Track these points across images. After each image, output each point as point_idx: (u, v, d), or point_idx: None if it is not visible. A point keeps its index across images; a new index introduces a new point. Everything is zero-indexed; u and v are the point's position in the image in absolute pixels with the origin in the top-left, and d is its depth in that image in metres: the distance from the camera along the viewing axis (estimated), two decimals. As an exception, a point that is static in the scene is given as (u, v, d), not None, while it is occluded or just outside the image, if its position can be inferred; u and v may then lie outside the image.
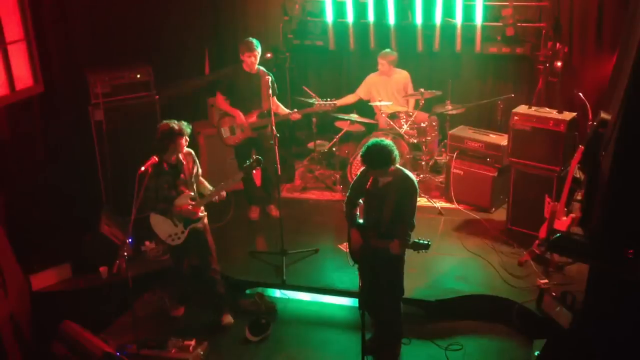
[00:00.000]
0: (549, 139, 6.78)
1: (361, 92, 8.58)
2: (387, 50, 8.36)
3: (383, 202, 5.24)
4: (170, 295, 6.60)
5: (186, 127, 5.79)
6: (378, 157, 5.11)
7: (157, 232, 6.02)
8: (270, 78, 6.95)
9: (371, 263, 5.36)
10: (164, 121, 5.81)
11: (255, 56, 7.12)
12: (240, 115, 7.23)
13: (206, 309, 6.42)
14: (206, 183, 6.16)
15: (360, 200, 5.52)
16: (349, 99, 8.60)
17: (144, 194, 5.64)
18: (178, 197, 5.90)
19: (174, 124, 5.74)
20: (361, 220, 5.50)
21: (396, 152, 5.15)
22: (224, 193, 6.02)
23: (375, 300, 5.45)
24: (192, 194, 5.94)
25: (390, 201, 5.20)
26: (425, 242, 5.20)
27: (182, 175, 5.90)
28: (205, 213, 6.07)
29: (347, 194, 5.56)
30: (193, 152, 6.04)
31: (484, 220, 7.48)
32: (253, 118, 7.25)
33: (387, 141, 5.18)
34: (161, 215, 5.92)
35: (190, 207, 5.87)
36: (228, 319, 6.31)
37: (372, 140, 5.23)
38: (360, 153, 5.21)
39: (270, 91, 6.86)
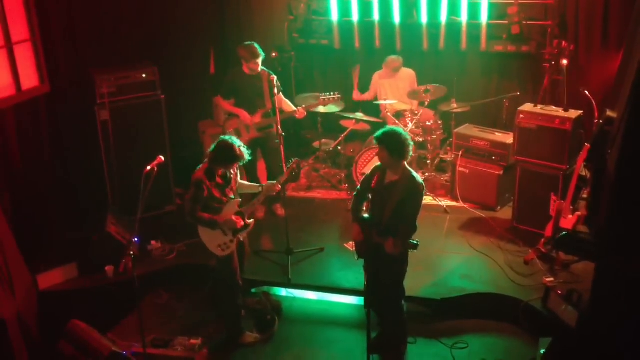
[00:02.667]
0: (555, 137, 6.78)
1: (372, 92, 8.59)
2: (392, 57, 8.35)
3: (386, 200, 5.24)
4: (188, 297, 6.56)
5: (246, 154, 5.55)
6: (392, 139, 5.16)
7: (205, 243, 5.71)
8: (276, 78, 6.93)
9: (374, 260, 5.36)
10: (226, 138, 5.54)
11: (259, 63, 7.13)
12: (244, 113, 7.23)
13: (213, 308, 6.43)
14: (247, 183, 6.11)
15: (369, 196, 5.53)
16: (366, 96, 8.63)
17: (191, 203, 5.50)
18: (226, 206, 5.71)
19: (236, 148, 5.46)
20: (366, 215, 5.51)
21: (411, 147, 5.20)
22: (278, 187, 5.95)
23: (378, 298, 5.45)
24: (239, 199, 5.81)
25: (393, 200, 5.21)
26: (414, 242, 5.21)
27: (232, 184, 5.80)
28: (253, 220, 5.92)
29: (357, 188, 5.59)
30: None
31: (490, 219, 7.47)
32: (257, 118, 7.26)
33: (407, 136, 5.24)
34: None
35: (235, 217, 5.71)
36: (250, 337, 6.12)
37: (393, 126, 5.29)
38: (376, 134, 5.25)
39: (276, 90, 6.85)
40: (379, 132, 5.26)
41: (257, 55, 7.07)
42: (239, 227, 5.74)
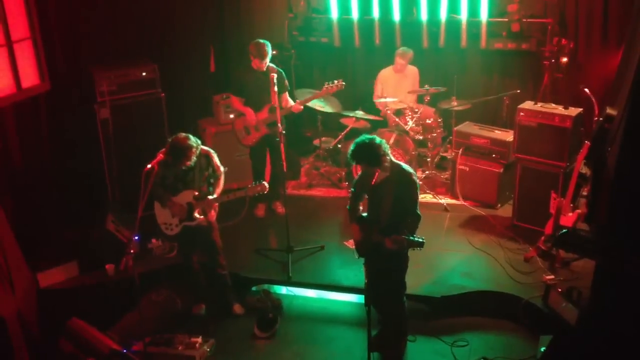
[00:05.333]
0: (555, 134, 6.77)
1: (378, 92, 8.55)
2: (405, 48, 8.33)
3: (381, 198, 5.24)
4: (187, 293, 6.60)
5: (194, 144, 5.73)
6: (364, 153, 5.13)
7: (157, 217, 6.08)
8: (275, 75, 6.88)
9: (374, 258, 5.36)
10: (181, 135, 5.73)
11: (265, 63, 7.09)
12: (250, 112, 7.21)
13: (214, 305, 6.45)
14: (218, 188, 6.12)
15: (365, 196, 5.52)
16: (378, 94, 8.55)
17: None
18: (181, 193, 5.93)
19: (184, 146, 5.65)
20: (365, 214, 5.51)
21: (383, 150, 5.12)
22: (217, 204, 6.08)
23: (380, 296, 5.45)
24: (197, 193, 5.94)
25: (388, 196, 5.21)
26: (420, 240, 5.11)
27: (191, 174, 5.91)
28: (202, 217, 6.02)
29: (351, 190, 5.58)
30: (211, 153, 6.01)
31: (490, 217, 7.48)
32: (264, 114, 7.22)
33: (374, 138, 5.16)
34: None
35: (183, 207, 5.91)
36: (239, 308, 6.40)
37: (360, 137, 5.24)
38: (348, 154, 5.21)
39: (277, 88, 6.80)
40: (350, 153, 5.18)
41: (264, 55, 7.03)
42: (182, 215, 5.94)
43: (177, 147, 5.67)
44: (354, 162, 5.23)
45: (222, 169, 6.12)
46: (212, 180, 6.05)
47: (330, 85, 7.38)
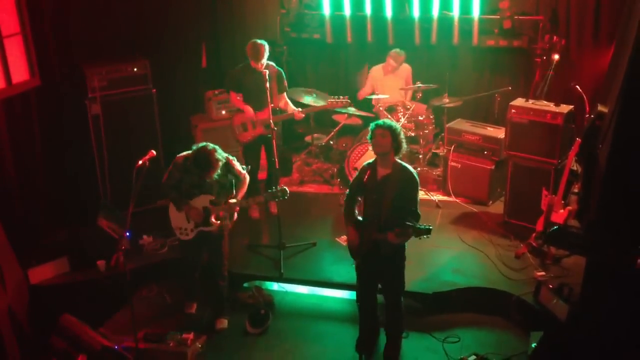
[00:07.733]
0: (546, 131, 6.80)
1: (369, 87, 8.57)
2: (399, 50, 8.33)
3: (382, 195, 5.22)
4: (179, 289, 6.59)
5: (221, 158, 5.65)
6: (393, 129, 5.19)
7: (171, 221, 6.00)
8: (268, 72, 6.82)
9: (372, 260, 5.33)
10: (208, 147, 5.61)
11: (261, 63, 7.00)
12: (249, 109, 7.15)
13: (206, 306, 6.43)
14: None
15: (359, 199, 5.50)
16: (367, 90, 8.59)
17: (166, 178, 5.74)
18: (197, 197, 5.84)
19: (212, 159, 5.54)
20: (360, 218, 5.47)
21: (404, 141, 5.23)
22: (238, 208, 6.01)
23: (374, 297, 5.43)
24: (213, 197, 5.84)
25: (389, 193, 5.19)
26: (426, 227, 5.08)
27: (208, 180, 5.79)
28: (219, 222, 5.91)
29: (347, 193, 5.54)
30: (230, 161, 5.90)
31: (481, 213, 7.50)
32: (265, 114, 7.03)
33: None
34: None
35: (200, 211, 5.81)
36: (222, 324, 6.22)
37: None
38: (380, 121, 5.27)
39: (277, 87, 6.73)
40: (381, 120, 5.27)
41: (259, 56, 6.93)
42: (198, 220, 5.84)
43: (204, 159, 5.56)
44: (383, 126, 5.19)
45: (243, 171, 6.03)
46: (235, 185, 5.98)
47: (336, 100, 7.37)
